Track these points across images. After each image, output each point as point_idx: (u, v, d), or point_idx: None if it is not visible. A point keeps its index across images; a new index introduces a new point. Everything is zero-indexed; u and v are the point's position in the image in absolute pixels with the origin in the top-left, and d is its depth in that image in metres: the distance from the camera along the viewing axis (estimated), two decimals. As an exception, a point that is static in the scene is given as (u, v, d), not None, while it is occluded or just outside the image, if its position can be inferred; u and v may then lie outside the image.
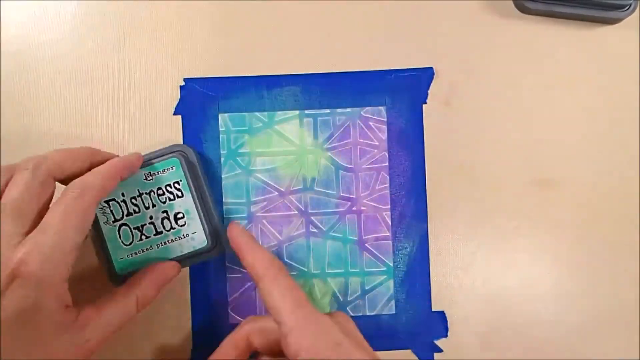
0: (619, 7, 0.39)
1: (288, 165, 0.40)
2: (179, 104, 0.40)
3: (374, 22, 0.40)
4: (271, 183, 0.40)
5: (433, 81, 0.40)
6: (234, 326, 0.40)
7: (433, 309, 0.40)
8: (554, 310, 0.40)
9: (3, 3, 0.39)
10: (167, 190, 0.36)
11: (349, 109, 0.40)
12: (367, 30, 0.40)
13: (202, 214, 0.37)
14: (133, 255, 0.36)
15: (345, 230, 0.40)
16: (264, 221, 0.40)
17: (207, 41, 0.40)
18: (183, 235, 0.36)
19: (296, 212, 0.40)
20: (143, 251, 0.36)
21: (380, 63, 0.40)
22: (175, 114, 0.40)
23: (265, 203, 0.40)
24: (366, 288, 0.40)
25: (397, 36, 0.40)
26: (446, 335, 0.40)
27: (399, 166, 0.40)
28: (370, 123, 0.40)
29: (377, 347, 0.40)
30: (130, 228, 0.36)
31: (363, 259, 0.40)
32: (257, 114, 0.40)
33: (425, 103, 0.40)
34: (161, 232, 0.36)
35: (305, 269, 0.40)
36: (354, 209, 0.40)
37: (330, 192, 0.40)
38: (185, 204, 0.37)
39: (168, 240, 0.36)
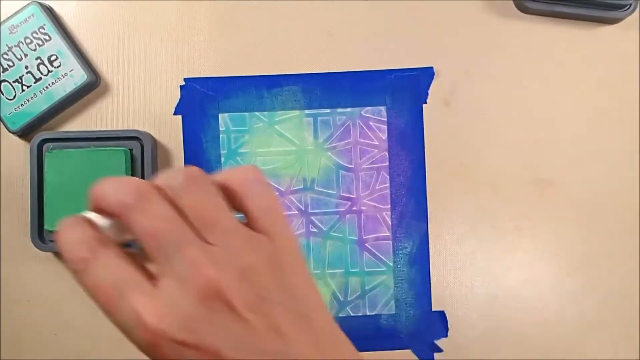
0: (619, 7, 0.39)
1: (288, 165, 0.40)
2: (179, 104, 0.40)
3: (374, 22, 0.40)
4: (271, 183, 0.40)
5: (433, 81, 0.40)
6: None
7: (433, 309, 0.40)
8: (553, 310, 0.40)
9: (3, 3, 0.39)
10: (35, 37, 0.38)
11: (349, 109, 0.40)
12: (367, 30, 0.40)
13: (74, 51, 0.38)
14: (20, 107, 0.38)
15: (345, 230, 0.40)
16: (264, 221, 0.40)
17: (207, 41, 0.40)
18: (62, 75, 0.38)
19: (296, 211, 0.40)
20: (28, 100, 0.38)
21: (380, 63, 0.40)
22: (175, 113, 0.40)
23: (265, 203, 0.40)
24: (366, 288, 0.40)
25: (397, 36, 0.40)
26: (446, 335, 0.40)
27: (399, 166, 0.40)
28: (371, 123, 0.40)
29: (377, 347, 0.40)
30: (9, 83, 0.38)
31: (363, 258, 0.40)
32: (257, 113, 0.40)
33: (425, 103, 0.40)
34: (40, 79, 0.38)
35: (306, 269, 0.40)
36: (354, 208, 0.40)
37: (330, 192, 0.40)
38: (56, 45, 0.38)
39: (49, 84, 0.38)
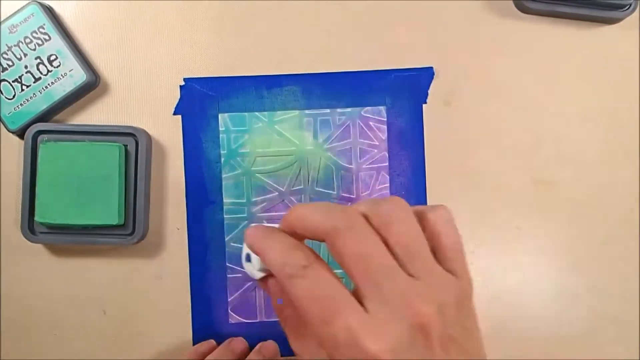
0: (619, 7, 0.39)
1: (288, 165, 0.40)
2: (179, 104, 0.40)
3: (374, 22, 0.40)
4: (271, 183, 0.40)
5: (433, 81, 0.40)
6: (234, 326, 0.40)
7: (433, 309, 0.40)
8: (554, 310, 0.40)
9: (3, 3, 0.39)
10: (34, 37, 0.38)
11: (349, 109, 0.40)
12: (367, 30, 0.40)
13: (74, 51, 0.38)
14: (19, 107, 0.38)
15: (345, 230, 0.40)
16: (264, 221, 0.40)
17: (207, 41, 0.40)
18: (61, 75, 0.38)
19: (296, 212, 0.40)
20: (28, 100, 0.38)
21: (380, 63, 0.40)
22: (175, 113, 0.40)
23: (265, 203, 0.40)
24: (366, 288, 0.40)
25: (397, 36, 0.40)
26: (446, 335, 0.40)
27: (399, 166, 0.40)
28: (370, 123, 0.40)
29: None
30: (9, 82, 0.38)
31: (363, 259, 0.40)
32: (257, 113, 0.40)
33: (425, 103, 0.40)
34: (40, 78, 0.38)
35: (305, 269, 0.40)
36: (354, 208, 0.40)
37: (330, 192, 0.40)
38: (55, 45, 0.38)
39: (48, 84, 0.38)
